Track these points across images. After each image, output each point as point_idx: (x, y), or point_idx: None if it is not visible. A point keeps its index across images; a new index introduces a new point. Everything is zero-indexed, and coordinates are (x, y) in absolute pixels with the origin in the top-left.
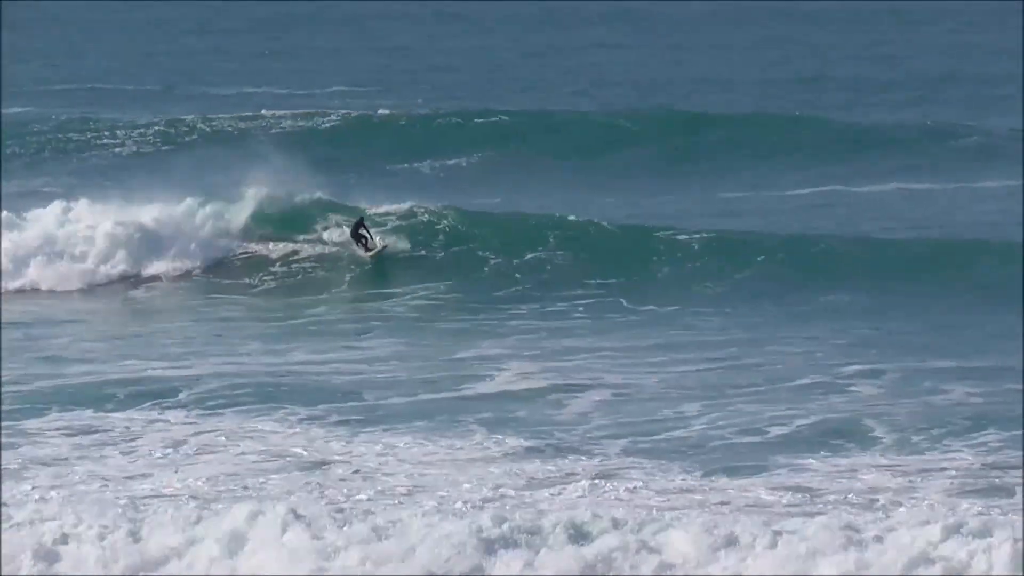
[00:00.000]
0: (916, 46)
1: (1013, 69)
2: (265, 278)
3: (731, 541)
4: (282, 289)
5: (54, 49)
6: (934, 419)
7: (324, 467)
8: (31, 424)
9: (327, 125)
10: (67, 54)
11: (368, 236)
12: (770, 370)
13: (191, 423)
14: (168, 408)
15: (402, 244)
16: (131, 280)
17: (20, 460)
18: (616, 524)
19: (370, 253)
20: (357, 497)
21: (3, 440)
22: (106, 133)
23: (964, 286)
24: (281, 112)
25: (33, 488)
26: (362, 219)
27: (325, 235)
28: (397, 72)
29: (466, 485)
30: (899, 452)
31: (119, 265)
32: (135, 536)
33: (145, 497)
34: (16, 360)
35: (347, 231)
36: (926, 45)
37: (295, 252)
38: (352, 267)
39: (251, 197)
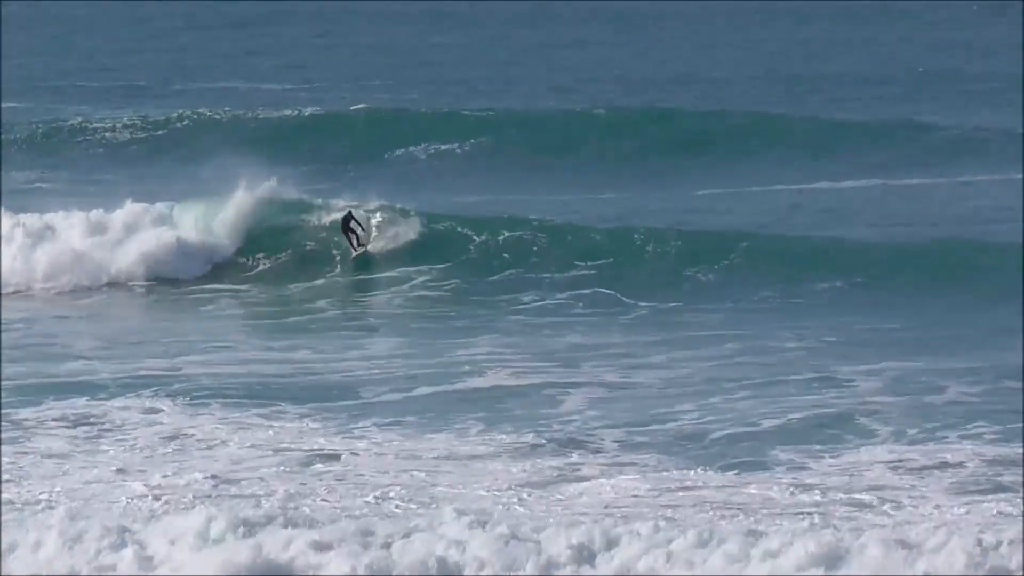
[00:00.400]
0: (897, 42)
1: (992, 66)
2: (255, 275)
3: (722, 542)
4: (274, 285)
5: (44, 46)
6: (933, 416)
7: (318, 464)
8: (26, 415)
9: (311, 120)
10: (55, 50)
11: (358, 230)
12: (767, 367)
13: (184, 420)
14: (161, 405)
15: (383, 242)
16: (119, 282)
17: (14, 456)
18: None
19: (360, 248)
20: (347, 499)
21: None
22: (95, 129)
23: (961, 282)
24: (266, 107)
25: (20, 487)
26: (350, 213)
27: (315, 228)
28: (384, 68)
29: (461, 487)
30: (898, 449)
31: (106, 267)
32: (111, 536)
33: (135, 497)
34: (10, 358)
35: (339, 224)
36: (907, 41)
37: (284, 248)
38: (341, 263)
39: (238, 194)
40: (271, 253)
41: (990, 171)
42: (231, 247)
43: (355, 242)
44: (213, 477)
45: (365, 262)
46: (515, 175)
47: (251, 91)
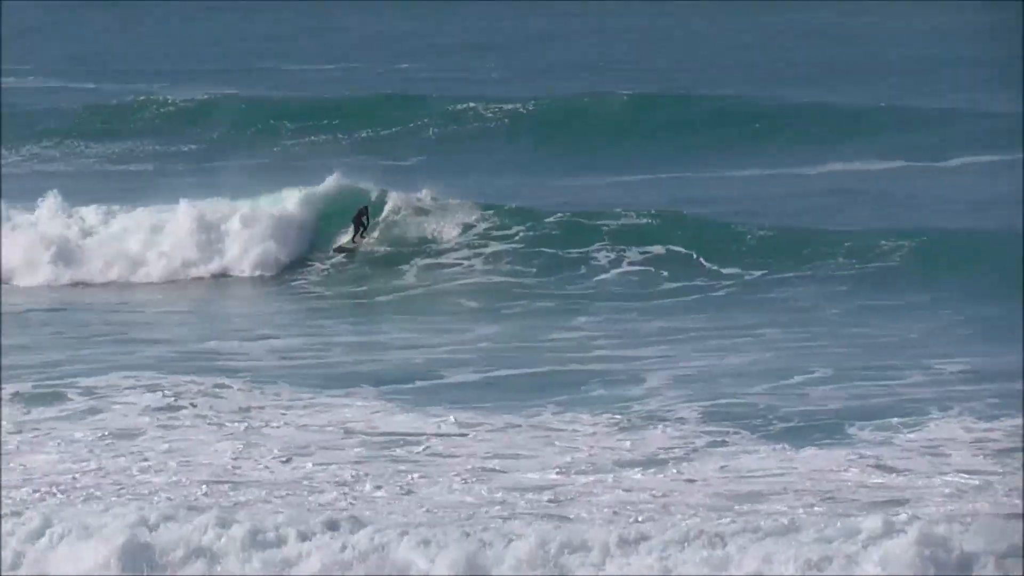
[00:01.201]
0: (895, 30)
1: (951, 52)
2: (332, 262)
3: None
4: (352, 270)
5: (74, 32)
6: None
7: (396, 446)
8: (96, 385)
9: (344, 103)
10: (87, 35)
11: (364, 227)
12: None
13: (263, 399)
14: (242, 386)
15: (453, 230)
16: (207, 272)
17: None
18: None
19: (358, 241)
20: (428, 485)
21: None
22: (116, 116)
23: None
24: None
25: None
26: (366, 208)
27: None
28: (368, 56)
29: (531, 475)
30: (983, 434)
31: (192, 258)
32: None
33: (204, 480)
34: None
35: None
36: (876, 29)
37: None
38: (420, 248)
39: (329, 179)
40: (344, 242)
41: (968, 153)
42: (310, 234)
43: (356, 234)
44: (286, 460)
45: (438, 250)
46: (549, 160)
47: (231, 75)
